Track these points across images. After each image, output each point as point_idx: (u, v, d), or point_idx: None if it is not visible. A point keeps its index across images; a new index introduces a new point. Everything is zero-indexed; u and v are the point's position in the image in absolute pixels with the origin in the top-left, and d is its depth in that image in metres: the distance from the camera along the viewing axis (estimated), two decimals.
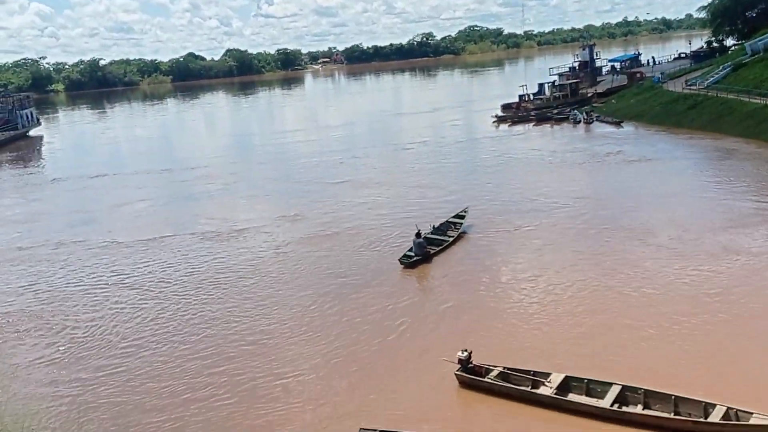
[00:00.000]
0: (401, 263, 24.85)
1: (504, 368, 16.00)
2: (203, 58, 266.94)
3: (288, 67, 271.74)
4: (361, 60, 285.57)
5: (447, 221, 28.62)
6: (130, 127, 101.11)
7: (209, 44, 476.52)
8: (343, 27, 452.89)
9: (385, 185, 39.37)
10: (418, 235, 25.52)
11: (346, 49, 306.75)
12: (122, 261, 28.58)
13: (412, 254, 25.10)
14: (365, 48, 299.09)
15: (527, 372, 15.74)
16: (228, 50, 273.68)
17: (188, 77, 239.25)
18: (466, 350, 16.12)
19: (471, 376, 15.91)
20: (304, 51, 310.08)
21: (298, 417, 15.52)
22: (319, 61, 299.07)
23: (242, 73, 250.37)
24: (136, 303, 23.59)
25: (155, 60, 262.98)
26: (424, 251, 25.19)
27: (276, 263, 26.64)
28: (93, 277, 26.87)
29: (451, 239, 27.00)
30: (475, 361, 16.14)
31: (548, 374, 15.54)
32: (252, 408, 16.05)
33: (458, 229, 27.90)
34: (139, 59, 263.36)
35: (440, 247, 26.23)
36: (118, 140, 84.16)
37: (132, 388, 17.49)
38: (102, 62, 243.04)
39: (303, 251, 27.79)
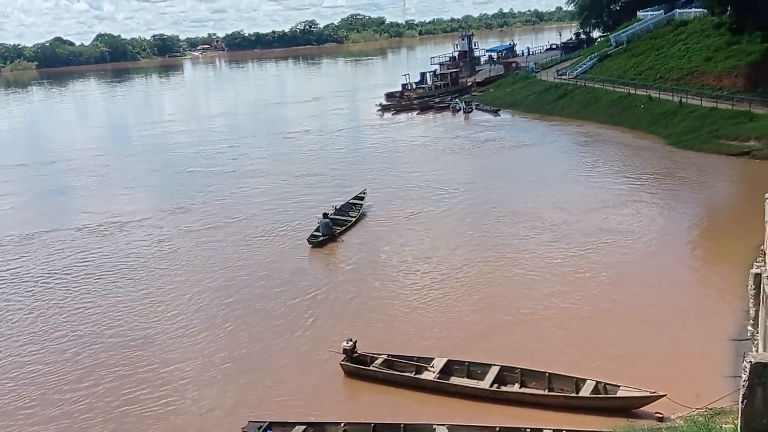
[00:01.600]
0: (309, 243, 25.35)
1: (389, 356, 16.18)
2: (72, 44, 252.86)
3: (165, 54, 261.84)
4: (242, 47, 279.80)
5: (348, 202, 29.52)
6: None
7: (79, 28, 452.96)
8: (222, 13, 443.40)
9: (271, 174, 38.80)
10: (324, 215, 26.28)
11: (227, 35, 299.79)
12: None
13: (319, 234, 25.51)
14: (247, 35, 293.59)
15: (411, 358, 16.02)
16: (99, 35, 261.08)
17: (56, 63, 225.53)
18: (350, 340, 16.20)
19: (356, 366, 16.00)
20: (183, 37, 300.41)
21: (185, 413, 15.09)
22: (198, 48, 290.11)
23: (115, 59, 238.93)
24: (9, 302, 22.17)
25: (18, 45, 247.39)
26: (331, 231, 25.75)
27: (161, 257, 25.65)
28: None
29: (353, 219, 27.92)
30: (363, 349, 16.26)
31: (431, 359, 15.87)
32: (137, 407, 15.40)
33: (359, 209, 28.85)
34: (1, 44, 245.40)
35: (344, 228, 26.92)
36: None
37: None
38: None
39: (189, 244, 26.91)
